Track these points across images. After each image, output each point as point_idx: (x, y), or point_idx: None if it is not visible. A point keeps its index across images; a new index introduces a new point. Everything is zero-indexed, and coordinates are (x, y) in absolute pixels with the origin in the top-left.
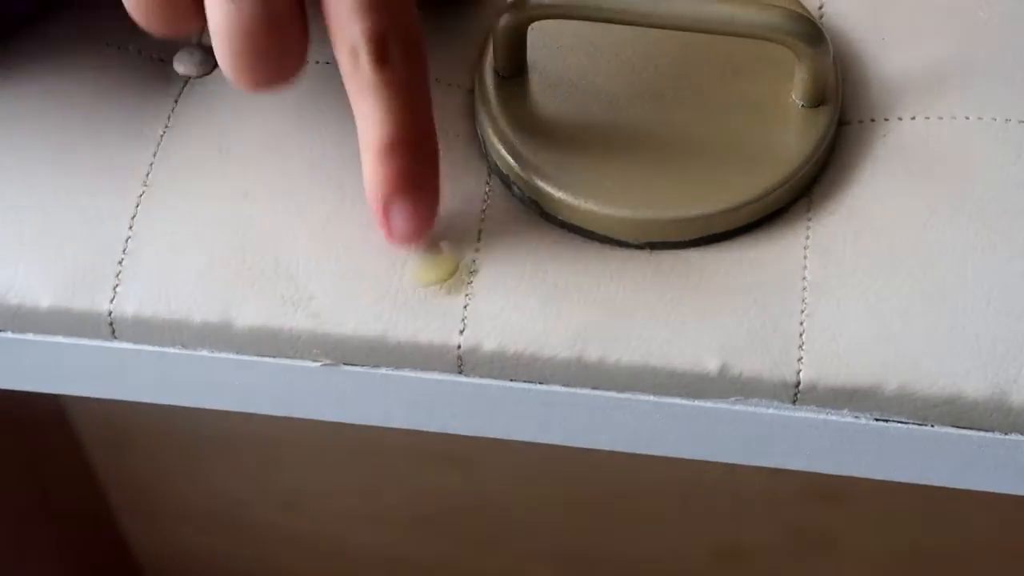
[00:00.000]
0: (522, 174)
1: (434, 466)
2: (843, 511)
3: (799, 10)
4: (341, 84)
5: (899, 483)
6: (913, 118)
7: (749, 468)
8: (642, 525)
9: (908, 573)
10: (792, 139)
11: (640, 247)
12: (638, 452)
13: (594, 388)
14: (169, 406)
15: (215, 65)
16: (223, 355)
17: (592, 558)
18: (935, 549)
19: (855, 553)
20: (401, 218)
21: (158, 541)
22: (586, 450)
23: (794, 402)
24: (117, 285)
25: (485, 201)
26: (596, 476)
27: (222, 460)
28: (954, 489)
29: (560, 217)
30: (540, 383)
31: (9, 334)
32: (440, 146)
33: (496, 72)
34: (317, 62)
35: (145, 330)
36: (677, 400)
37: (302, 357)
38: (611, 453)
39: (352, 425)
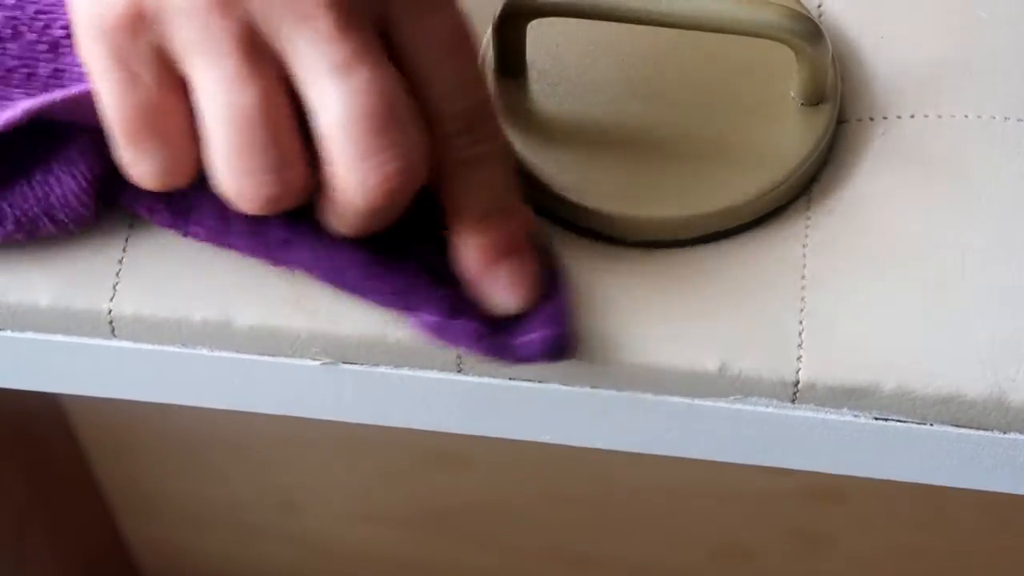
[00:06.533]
0: (522, 173)
1: (434, 465)
2: (843, 511)
3: (798, 8)
4: None
5: (899, 483)
6: (912, 116)
7: (749, 468)
8: (642, 525)
9: (908, 573)
10: (791, 137)
11: (639, 246)
12: (637, 451)
13: (593, 387)
14: (168, 407)
15: None
16: (223, 354)
17: (592, 558)
18: (935, 549)
19: (855, 553)
20: (508, 281)
21: (157, 541)
22: (586, 450)
23: (793, 401)
24: (117, 283)
25: None
26: (596, 476)
27: (221, 460)
28: (954, 489)
29: (559, 215)
30: (539, 382)
31: (9, 332)
32: None
33: (496, 71)
34: None
35: (145, 328)
36: (676, 399)
37: (301, 356)
38: (611, 452)
39: (351, 425)
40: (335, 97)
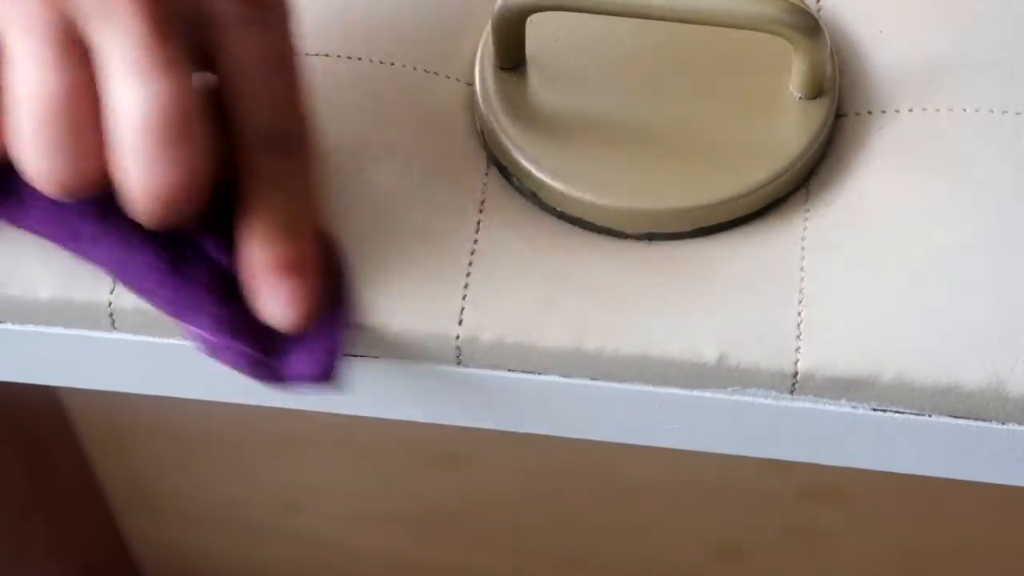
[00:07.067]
0: (521, 166)
1: (434, 466)
2: (842, 510)
3: (797, 2)
4: (336, 78)
5: (898, 482)
6: (910, 110)
7: (749, 467)
8: (642, 525)
9: (908, 573)
10: (790, 131)
11: (638, 238)
12: (635, 443)
13: (592, 378)
14: (169, 405)
15: None
16: None
17: (592, 558)
18: (935, 549)
19: (854, 552)
20: (284, 300)
21: (158, 540)
22: (585, 450)
23: (792, 392)
24: None
25: (484, 192)
26: (596, 476)
27: (222, 460)
28: (954, 487)
29: (559, 208)
30: (538, 373)
31: (9, 325)
32: (440, 139)
33: (496, 65)
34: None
35: (145, 321)
36: (675, 390)
37: None
38: (611, 452)
39: (352, 425)
40: (130, 101)
